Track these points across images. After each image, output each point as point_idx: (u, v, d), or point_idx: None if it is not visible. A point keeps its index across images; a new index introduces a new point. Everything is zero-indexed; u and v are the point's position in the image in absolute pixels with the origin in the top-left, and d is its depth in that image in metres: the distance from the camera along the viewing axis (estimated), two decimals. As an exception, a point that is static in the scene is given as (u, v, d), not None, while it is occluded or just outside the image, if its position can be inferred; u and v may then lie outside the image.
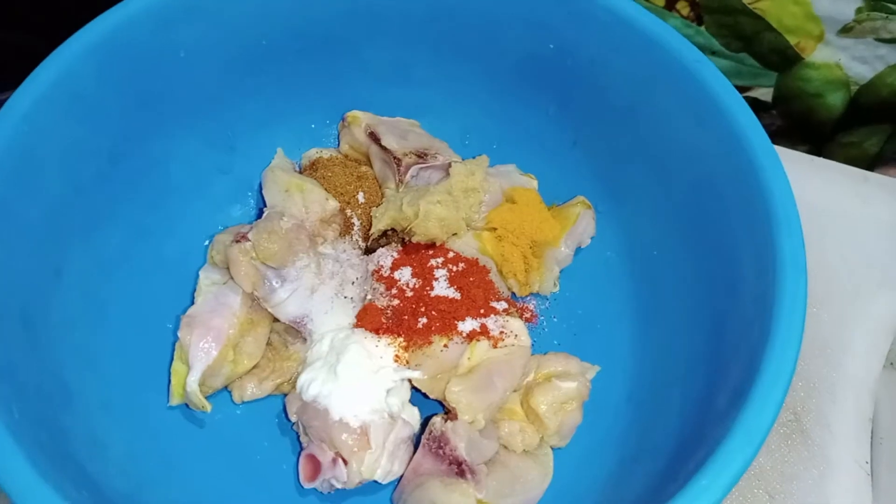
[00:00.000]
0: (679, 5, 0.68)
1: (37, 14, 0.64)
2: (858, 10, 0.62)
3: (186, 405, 0.49)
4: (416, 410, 0.48)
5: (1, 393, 0.36)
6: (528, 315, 0.53)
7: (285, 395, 0.50)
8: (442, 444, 0.45)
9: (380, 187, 0.56)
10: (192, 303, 0.50)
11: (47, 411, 0.40)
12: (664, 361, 0.49)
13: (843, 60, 0.67)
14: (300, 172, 0.57)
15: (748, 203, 0.42)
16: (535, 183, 0.56)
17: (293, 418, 0.48)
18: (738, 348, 0.41)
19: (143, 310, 0.50)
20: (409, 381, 0.48)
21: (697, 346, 0.46)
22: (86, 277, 0.47)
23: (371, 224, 0.53)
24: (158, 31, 0.47)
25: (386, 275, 0.51)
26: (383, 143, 0.54)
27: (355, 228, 0.54)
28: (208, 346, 0.48)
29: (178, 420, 0.49)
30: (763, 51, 0.68)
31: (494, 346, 0.48)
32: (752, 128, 0.44)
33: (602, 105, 0.52)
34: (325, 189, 0.54)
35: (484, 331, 0.48)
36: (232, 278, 0.50)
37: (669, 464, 0.41)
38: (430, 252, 0.52)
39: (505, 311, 0.50)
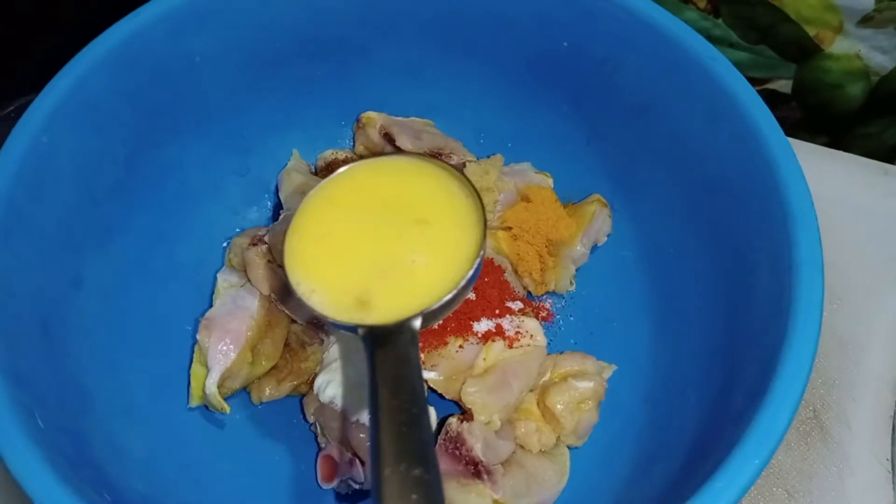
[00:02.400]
0: (695, -3, 0.67)
1: (60, 17, 0.65)
2: (878, 0, 0.61)
3: (206, 407, 0.49)
4: (432, 410, 0.48)
5: (24, 402, 0.37)
6: (544, 314, 0.53)
7: (303, 395, 0.51)
8: (458, 445, 0.45)
9: (395, 187, 0.56)
10: (211, 305, 0.51)
11: (69, 418, 0.40)
12: (681, 360, 0.48)
13: (863, 51, 0.66)
14: (315, 174, 0.57)
15: (764, 201, 0.42)
16: (550, 181, 0.56)
17: (311, 419, 0.49)
18: (755, 348, 0.41)
19: (161, 314, 0.51)
20: (426, 381, 0.48)
21: (714, 344, 0.46)
22: (104, 284, 0.47)
23: (386, 225, 0.53)
24: (171, 39, 0.47)
25: (401, 275, 0.51)
26: (398, 143, 0.54)
27: (371, 229, 0.54)
28: (227, 349, 0.48)
29: (197, 422, 0.50)
30: (781, 42, 0.67)
31: (510, 347, 0.48)
32: (768, 125, 0.43)
33: (616, 103, 0.51)
34: (341, 190, 0.54)
35: (499, 331, 0.48)
36: (249, 281, 0.50)
37: (686, 464, 0.41)
38: (446, 252, 0.52)
39: (520, 310, 0.50)
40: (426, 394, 0.35)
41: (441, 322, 0.48)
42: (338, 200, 0.43)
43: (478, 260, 0.40)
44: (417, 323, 0.38)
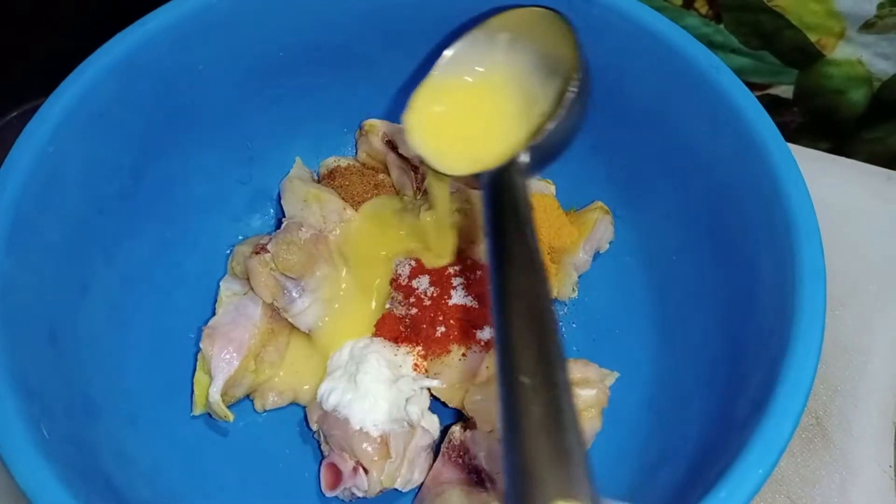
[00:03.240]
0: (697, 3, 0.67)
1: (60, 18, 0.65)
2: (880, 6, 0.61)
3: (209, 415, 0.49)
4: (435, 418, 0.49)
5: (31, 413, 0.37)
6: (546, 321, 0.53)
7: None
8: (462, 453, 0.45)
9: (397, 195, 0.56)
10: (214, 314, 0.51)
11: (76, 428, 0.41)
12: (684, 368, 0.48)
13: (865, 57, 0.66)
14: (318, 181, 0.57)
15: (766, 211, 0.42)
16: (552, 188, 0.56)
17: (314, 427, 0.49)
18: (758, 357, 0.41)
19: (166, 322, 0.51)
20: (429, 389, 0.48)
21: (717, 352, 0.46)
22: (110, 293, 0.47)
23: (389, 232, 0.54)
24: (177, 48, 0.47)
25: (404, 283, 0.51)
26: (401, 150, 0.54)
27: (374, 237, 0.54)
28: (230, 357, 0.48)
29: (201, 429, 0.50)
30: (783, 48, 0.67)
31: (513, 355, 0.48)
32: (770, 134, 0.43)
33: (619, 111, 0.51)
34: (343, 198, 0.54)
35: (502, 339, 0.48)
36: (252, 289, 0.50)
37: (689, 473, 0.41)
38: (448, 260, 0.52)
39: (523, 318, 0.50)
40: (532, 216, 0.37)
41: (444, 330, 0.48)
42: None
43: (578, 76, 0.40)
44: (524, 157, 0.40)
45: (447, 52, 0.47)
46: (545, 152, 0.41)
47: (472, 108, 0.46)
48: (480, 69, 0.47)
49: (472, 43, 0.47)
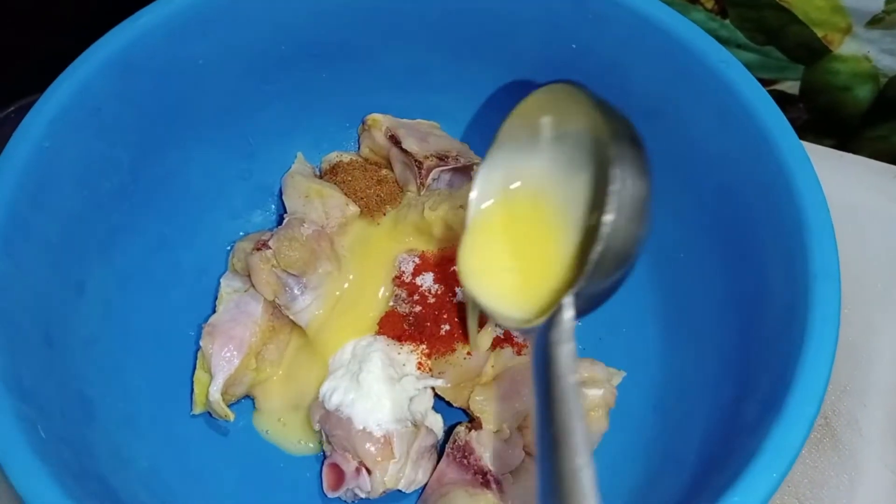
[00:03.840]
0: (703, -2, 0.66)
1: (60, 17, 0.64)
2: (888, 1, 0.61)
3: (209, 414, 0.49)
4: (439, 418, 0.48)
5: (27, 415, 0.36)
6: (551, 319, 0.53)
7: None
8: (466, 454, 0.45)
9: (401, 190, 0.55)
10: (214, 311, 0.50)
11: (72, 429, 0.40)
12: (691, 368, 0.48)
13: (871, 53, 0.65)
14: (320, 176, 0.56)
15: (777, 208, 0.41)
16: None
17: (316, 427, 0.48)
18: (769, 357, 0.40)
19: (165, 320, 0.50)
20: (433, 388, 0.48)
21: (726, 351, 0.45)
22: (107, 291, 0.47)
23: (392, 229, 0.53)
24: (174, 43, 0.46)
25: (408, 280, 0.50)
26: (404, 145, 0.53)
27: (376, 233, 0.54)
28: (230, 355, 0.48)
29: (201, 429, 0.49)
30: (789, 44, 0.67)
31: (518, 353, 0.47)
32: (781, 130, 0.42)
33: (626, 106, 0.50)
34: (345, 193, 0.53)
35: (507, 337, 0.48)
36: (253, 286, 0.50)
37: (697, 476, 0.40)
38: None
39: (528, 316, 0.49)
40: (578, 402, 0.31)
41: (449, 328, 0.48)
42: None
43: (613, 198, 0.33)
44: (569, 311, 0.33)
45: (477, 176, 0.42)
46: (595, 294, 0.34)
47: (516, 238, 0.41)
48: (515, 185, 0.41)
49: (499, 155, 0.41)
